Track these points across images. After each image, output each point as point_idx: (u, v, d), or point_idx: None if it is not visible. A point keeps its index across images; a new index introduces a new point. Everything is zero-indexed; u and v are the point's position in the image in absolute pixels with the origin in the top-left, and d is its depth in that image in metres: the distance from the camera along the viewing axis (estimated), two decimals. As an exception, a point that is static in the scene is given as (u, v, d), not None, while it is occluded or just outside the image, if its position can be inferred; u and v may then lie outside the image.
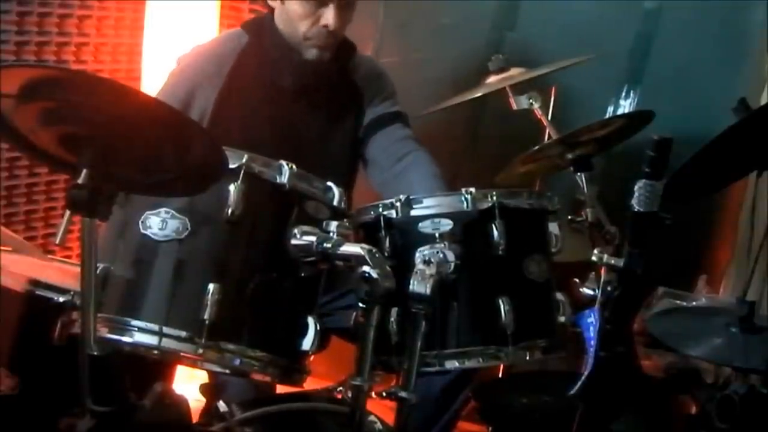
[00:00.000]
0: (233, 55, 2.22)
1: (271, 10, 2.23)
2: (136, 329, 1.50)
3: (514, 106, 2.23)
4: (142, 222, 1.52)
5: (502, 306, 1.69)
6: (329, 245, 1.54)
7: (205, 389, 2.15)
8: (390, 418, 1.67)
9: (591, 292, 1.72)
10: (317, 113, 2.27)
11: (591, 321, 1.65)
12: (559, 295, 1.81)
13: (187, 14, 2.85)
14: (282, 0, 2.16)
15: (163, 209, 1.52)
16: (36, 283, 1.72)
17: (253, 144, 1.61)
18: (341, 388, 1.73)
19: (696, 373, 2.20)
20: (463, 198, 1.72)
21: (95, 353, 1.40)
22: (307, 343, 1.60)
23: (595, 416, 1.58)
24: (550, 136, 2.21)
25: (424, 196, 1.78)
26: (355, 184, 2.32)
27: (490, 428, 2.20)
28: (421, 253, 1.67)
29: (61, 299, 1.66)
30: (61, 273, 1.87)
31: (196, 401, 1.94)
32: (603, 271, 1.68)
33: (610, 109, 2.83)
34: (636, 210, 1.46)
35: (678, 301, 2.36)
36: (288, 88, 2.22)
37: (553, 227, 1.82)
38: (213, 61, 2.23)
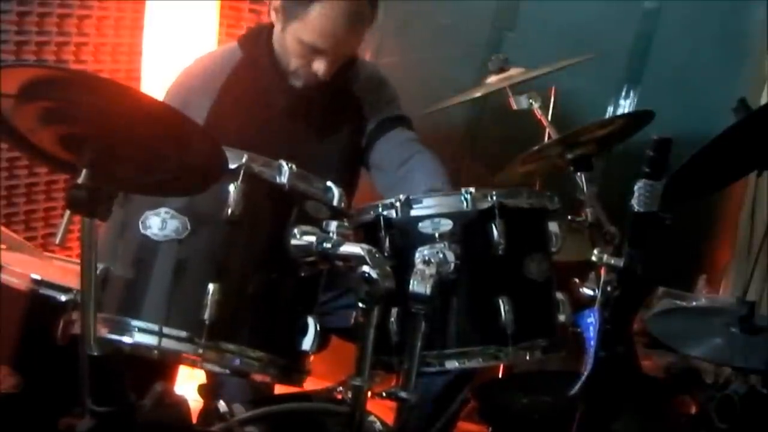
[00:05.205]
0: (226, 71, 2.20)
1: (272, 23, 2.19)
2: (136, 329, 1.50)
3: (514, 106, 2.23)
4: (142, 222, 1.52)
5: (502, 306, 1.69)
6: (329, 245, 1.54)
7: (203, 390, 2.15)
8: (390, 418, 1.68)
9: (591, 292, 1.72)
10: (311, 128, 2.24)
11: (591, 321, 1.65)
12: (559, 295, 1.80)
13: (187, 14, 2.85)
14: (282, 28, 2.11)
15: (163, 209, 1.51)
16: (39, 282, 1.72)
17: None
18: (341, 388, 1.73)
19: (696, 373, 2.21)
20: (462, 198, 1.72)
21: (95, 353, 1.40)
22: (307, 343, 1.60)
23: (595, 416, 1.58)
24: (550, 136, 2.21)
25: (424, 196, 1.77)
26: (355, 194, 2.30)
27: (490, 428, 2.21)
28: (421, 253, 1.66)
29: (64, 298, 1.66)
30: (63, 272, 1.87)
31: (195, 401, 1.94)
32: (603, 271, 1.68)
33: (610, 109, 2.82)
34: (636, 210, 1.46)
35: (678, 301, 2.37)
36: (280, 109, 2.20)
37: (553, 227, 1.81)
38: (204, 78, 2.21)
